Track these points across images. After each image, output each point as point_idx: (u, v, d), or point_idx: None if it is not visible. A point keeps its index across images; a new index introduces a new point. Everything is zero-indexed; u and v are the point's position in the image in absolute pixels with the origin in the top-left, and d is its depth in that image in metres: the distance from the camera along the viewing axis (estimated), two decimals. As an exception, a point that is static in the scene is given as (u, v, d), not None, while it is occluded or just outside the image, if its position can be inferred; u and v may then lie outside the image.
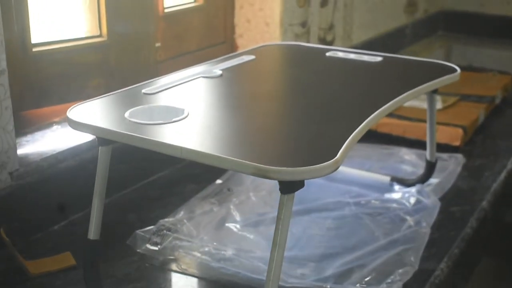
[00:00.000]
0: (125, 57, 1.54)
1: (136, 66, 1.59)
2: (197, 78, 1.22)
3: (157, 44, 1.73)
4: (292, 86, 1.26)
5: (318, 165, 0.81)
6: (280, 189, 0.84)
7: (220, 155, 0.83)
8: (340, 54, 1.39)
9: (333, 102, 1.11)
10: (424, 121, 1.42)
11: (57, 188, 1.29)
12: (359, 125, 0.92)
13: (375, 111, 0.98)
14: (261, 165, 0.80)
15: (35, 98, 1.40)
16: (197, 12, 1.88)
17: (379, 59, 1.36)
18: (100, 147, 1.03)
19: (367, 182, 1.52)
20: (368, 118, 0.95)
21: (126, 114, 1.00)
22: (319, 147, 0.90)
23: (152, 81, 1.19)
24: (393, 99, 1.07)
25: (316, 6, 2.17)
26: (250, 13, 2.04)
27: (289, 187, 0.84)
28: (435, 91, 1.31)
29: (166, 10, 1.76)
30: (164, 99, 1.11)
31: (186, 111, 1.02)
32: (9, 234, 1.22)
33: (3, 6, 1.28)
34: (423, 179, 1.46)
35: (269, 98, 1.14)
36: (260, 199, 1.43)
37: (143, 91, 1.14)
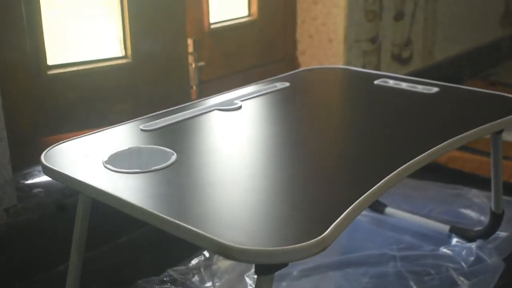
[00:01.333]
0: (154, 80, 1.41)
1: (166, 89, 1.45)
2: (212, 110, 1.06)
3: (200, 63, 1.59)
4: (311, 127, 1.02)
5: (293, 246, 0.62)
6: (255, 270, 0.67)
7: (178, 222, 0.67)
8: (391, 83, 1.19)
9: (354, 153, 0.90)
10: (505, 157, 1.19)
11: (61, 225, 1.18)
12: (368, 189, 0.72)
13: (396, 169, 0.77)
14: (222, 242, 0.63)
15: (51, 124, 1.30)
16: (250, 27, 1.73)
17: (435, 90, 1.14)
18: (79, 193, 0.90)
19: (422, 230, 1.30)
20: (380, 182, 0.74)
21: (105, 159, 0.86)
22: (307, 217, 0.70)
23: (157, 114, 1.04)
24: (431, 148, 0.86)
25: (389, 20, 1.95)
26: (312, 28, 1.86)
27: (265, 269, 0.66)
28: (500, 132, 1.08)
29: (212, 26, 1.62)
30: (161, 138, 0.96)
31: (175, 157, 0.87)
32: (7, 275, 1.11)
33: (13, 26, 1.19)
34: (487, 233, 1.22)
35: (274, 145, 0.92)
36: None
37: (141, 127, 0.99)
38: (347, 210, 0.68)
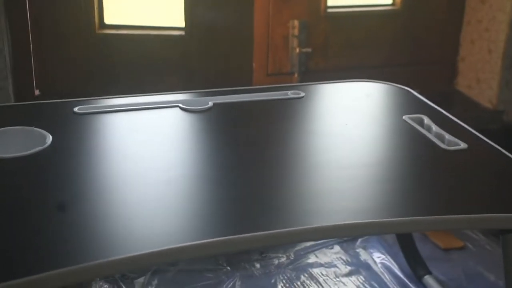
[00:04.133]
0: (210, 56, 1.25)
1: (225, 68, 1.28)
2: (173, 106, 0.89)
3: (306, 49, 1.38)
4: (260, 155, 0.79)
5: None
6: None
7: None
8: (425, 124, 0.86)
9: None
10: None
11: None
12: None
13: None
14: None
15: (101, 83, 1.25)
16: (388, 18, 1.44)
17: (461, 145, 0.80)
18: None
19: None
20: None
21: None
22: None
23: (105, 98, 0.92)
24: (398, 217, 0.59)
25: None
26: (475, 33, 1.49)
27: None
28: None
29: (330, 10, 1.38)
30: (89, 125, 0.84)
31: (49, 139, 0.75)
32: None
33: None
34: None
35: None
36: None
37: (75, 108, 0.87)
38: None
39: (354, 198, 0.66)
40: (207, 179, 0.71)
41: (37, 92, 1.31)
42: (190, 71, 1.25)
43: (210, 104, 0.90)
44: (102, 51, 1.21)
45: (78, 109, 0.87)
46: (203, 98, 0.92)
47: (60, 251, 0.55)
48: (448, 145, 0.81)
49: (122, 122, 0.87)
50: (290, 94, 0.96)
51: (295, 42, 1.37)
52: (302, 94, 0.96)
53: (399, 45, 1.48)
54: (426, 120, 0.88)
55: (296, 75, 1.40)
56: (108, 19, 1.22)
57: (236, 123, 0.89)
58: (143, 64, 1.24)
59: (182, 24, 1.22)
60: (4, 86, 1.22)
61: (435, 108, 0.92)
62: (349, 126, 0.86)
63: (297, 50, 1.37)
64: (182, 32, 1.22)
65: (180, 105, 0.89)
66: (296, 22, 1.36)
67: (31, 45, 1.23)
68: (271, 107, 0.93)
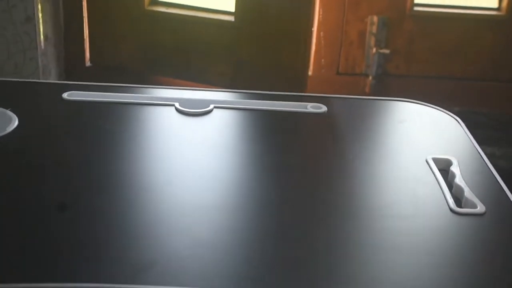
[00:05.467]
0: (261, 46, 1.12)
1: (278, 62, 1.14)
2: (169, 105, 0.79)
3: (384, 50, 1.21)
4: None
5: None
6: None
7: None
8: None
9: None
10: None
11: None
12: None
13: None
14: None
15: (148, 60, 1.18)
16: (491, 25, 1.23)
17: (478, 208, 0.63)
18: None
19: None
20: None
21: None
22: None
23: (102, 86, 0.83)
24: None
25: None
26: None
27: None
28: None
29: (417, 8, 1.20)
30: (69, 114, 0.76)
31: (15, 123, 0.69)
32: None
33: None
34: None
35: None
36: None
37: (65, 94, 0.79)
38: None
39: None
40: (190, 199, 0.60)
41: (88, 63, 1.27)
42: (238, 61, 1.14)
43: (211, 107, 0.79)
44: (150, 28, 1.13)
45: (68, 95, 0.80)
46: (203, 99, 0.81)
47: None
48: (464, 205, 0.64)
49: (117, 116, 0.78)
50: (310, 107, 0.82)
51: (372, 41, 1.21)
52: (324, 109, 0.82)
53: (499, 57, 1.27)
54: (454, 165, 0.71)
55: (370, 77, 1.24)
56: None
57: (236, 136, 0.77)
58: (189, 47, 1.14)
59: (232, 8, 1.11)
60: (60, 55, 1.19)
61: (477, 151, 0.74)
62: (355, 160, 0.71)
63: (374, 50, 1.21)
64: (231, 18, 1.11)
65: (177, 105, 0.79)
66: (375, 18, 1.19)
67: (84, 18, 1.19)
68: (282, 122, 0.80)
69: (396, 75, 1.25)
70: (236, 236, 0.56)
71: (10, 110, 0.72)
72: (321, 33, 1.22)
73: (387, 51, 1.22)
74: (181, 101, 0.79)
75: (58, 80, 1.22)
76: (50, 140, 0.70)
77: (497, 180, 0.70)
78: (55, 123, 0.74)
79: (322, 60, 1.24)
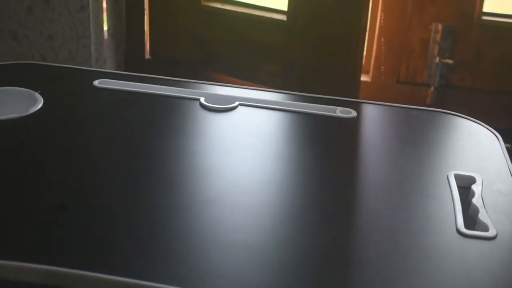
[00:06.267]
0: (314, 49, 1.08)
1: (330, 66, 1.10)
2: (194, 99, 0.78)
3: (447, 61, 1.14)
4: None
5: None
6: None
7: None
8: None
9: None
10: None
11: None
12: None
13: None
14: None
15: (203, 55, 1.18)
16: None
17: (489, 232, 0.57)
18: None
19: None
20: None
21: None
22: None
23: (133, 76, 0.83)
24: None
25: None
26: None
27: None
28: None
29: (486, 17, 1.12)
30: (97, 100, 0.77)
31: (39, 100, 0.70)
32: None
33: None
34: None
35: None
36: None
37: (96, 82, 0.80)
38: None
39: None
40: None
41: (147, 56, 1.29)
42: (289, 62, 1.12)
43: (236, 103, 0.78)
44: (205, 24, 1.13)
45: (98, 83, 0.80)
46: (228, 95, 0.80)
47: None
48: (476, 226, 0.59)
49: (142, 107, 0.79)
50: (339, 112, 0.79)
51: (436, 50, 1.15)
52: (353, 114, 0.78)
53: None
54: (477, 183, 0.66)
55: (432, 88, 1.18)
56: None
57: (256, 135, 0.75)
58: (242, 44, 1.13)
59: (285, 7, 1.08)
60: (119, 46, 1.21)
61: (510, 171, 0.69)
62: (372, 170, 0.67)
63: (437, 59, 1.15)
64: (283, 17, 1.09)
65: (202, 99, 0.78)
66: (440, 26, 1.14)
67: (145, 11, 1.20)
68: (307, 124, 0.77)
69: (461, 87, 1.18)
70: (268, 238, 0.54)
71: (39, 93, 0.74)
72: (382, 39, 1.18)
73: (450, 61, 1.15)
74: (207, 96, 0.78)
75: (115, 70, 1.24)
76: (70, 124, 0.71)
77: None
78: (80, 108, 0.75)
79: (382, 67, 1.19)
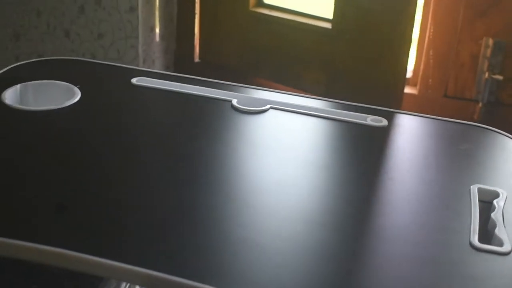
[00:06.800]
0: (360, 58, 1.08)
1: (376, 76, 1.09)
2: (227, 100, 0.79)
3: (497, 76, 1.11)
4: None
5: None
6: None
7: None
8: None
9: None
10: None
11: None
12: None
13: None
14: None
15: (250, 61, 1.19)
16: None
17: (503, 247, 0.55)
18: None
19: None
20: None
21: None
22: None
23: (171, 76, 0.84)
24: None
25: None
26: None
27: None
28: None
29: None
30: (134, 97, 0.79)
31: (77, 93, 0.73)
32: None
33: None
34: None
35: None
36: None
37: (134, 80, 0.82)
38: None
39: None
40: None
41: (196, 59, 1.31)
42: (333, 70, 1.12)
43: (267, 106, 0.78)
44: (252, 30, 1.14)
45: (136, 80, 0.83)
46: (260, 98, 0.80)
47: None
48: (492, 241, 0.58)
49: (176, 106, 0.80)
50: (370, 120, 0.79)
51: (485, 65, 1.12)
52: (384, 123, 0.78)
53: None
54: (501, 198, 0.65)
55: (480, 104, 1.15)
56: (269, -1, 1.14)
57: (287, 138, 0.76)
58: (287, 51, 1.14)
59: (330, 15, 1.08)
60: (168, 48, 1.24)
61: None
62: (395, 180, 0.67)
63: (486, 74, 1.13)
64: (328, 25, 1.09)
65: (234, 101, 0.79)
66: (490, 41, 1.11)
67: (196, 15, 1.22)
68: (337, 131, 0.77)
69: (510, 104, 1.15)
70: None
71: (78, 88, 0.77)
72: (430, 52, 1.16)
73: (500, 77, 1.13)
74: (240, 98, 0.79)
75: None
76: (103, 117, 0.73)
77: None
78: (114, 103, 0.77)
79: (430, 80, 1.17)
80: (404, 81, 1.03)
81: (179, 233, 0.53)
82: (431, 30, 1.15)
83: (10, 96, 0.75)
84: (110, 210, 0.56)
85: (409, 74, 1.25)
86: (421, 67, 1.19)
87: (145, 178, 0.62)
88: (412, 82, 1.22)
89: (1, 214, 0.53)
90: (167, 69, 1.28)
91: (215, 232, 0.55)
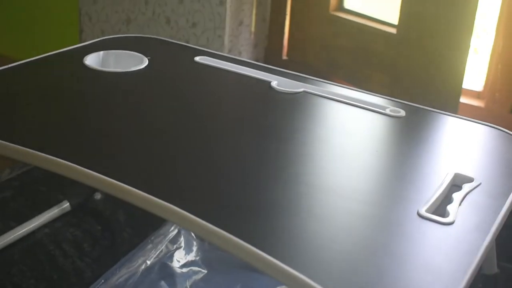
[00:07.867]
0: (418, 63, 1.13)
1: (435, 81, 1.14)
2: (269, 82, 0.90)
3: None
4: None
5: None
6: None
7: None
8: None
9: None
10: None
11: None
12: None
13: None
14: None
15: (326, 62, 1.30)
16: None
17: (445, 221, 0.60)
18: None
19: None
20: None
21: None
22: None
23: (232, 59, 0.97)
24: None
25: None
26: None
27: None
28: None
29: None
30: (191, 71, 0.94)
31: (145, 62, 0.88)
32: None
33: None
34: None
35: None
36: None
37: (197, 58, 0.96)
38: None
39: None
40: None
41: (284, 56, 1.41)
42: (397, 74, 1.19)
43: (301, 89, 0.89)
44: (331, 32, 1.25)
45: (199, 59, 0.97)
46: (297, 83, 0.91)
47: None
48: (440, 213, 0.65)
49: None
50: (389, 111, 0.87)
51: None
52: (402, 113, 0.86)
53: None
54: (471, 184, 0.71)
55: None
56: (348, 4, 1.24)
57: (304, 117, 0.86)
58: (358, 54, 1.23)
59: (396, 20, 1.16)
60: (258, 44, 1.36)
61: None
62: (387, 163, 0.75)
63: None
64: (393, 30, 1.16)
65: (273, 83, 0.91)
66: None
67: (287, 15, 1.33)
68: (359, 118, 0.86)
69: None
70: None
71: (148, 58, 0.93)
72: (499, 66, 1.19)
73: None
74: (279, 80, 0.91)
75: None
76: (163, 84, 0.88)
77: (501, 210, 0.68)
78: (174, 72, 0.92)
79: (496, 94, 1.20)
80: (460, 90, 1.08)
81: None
82: (500, 45, 1.18)
83: (91, 60, 0.92)
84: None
85: (480, 87, 1.28)
86: (489, 80, 1.22)
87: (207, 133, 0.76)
88: (480, 95, 1.26)
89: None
90: (255, 61, 1.41)
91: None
